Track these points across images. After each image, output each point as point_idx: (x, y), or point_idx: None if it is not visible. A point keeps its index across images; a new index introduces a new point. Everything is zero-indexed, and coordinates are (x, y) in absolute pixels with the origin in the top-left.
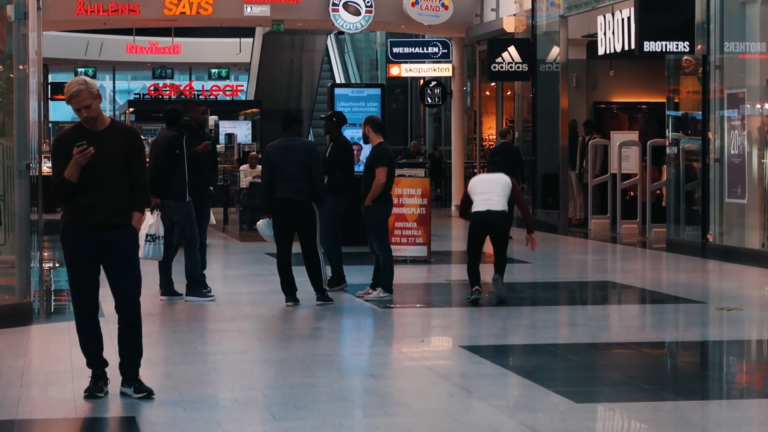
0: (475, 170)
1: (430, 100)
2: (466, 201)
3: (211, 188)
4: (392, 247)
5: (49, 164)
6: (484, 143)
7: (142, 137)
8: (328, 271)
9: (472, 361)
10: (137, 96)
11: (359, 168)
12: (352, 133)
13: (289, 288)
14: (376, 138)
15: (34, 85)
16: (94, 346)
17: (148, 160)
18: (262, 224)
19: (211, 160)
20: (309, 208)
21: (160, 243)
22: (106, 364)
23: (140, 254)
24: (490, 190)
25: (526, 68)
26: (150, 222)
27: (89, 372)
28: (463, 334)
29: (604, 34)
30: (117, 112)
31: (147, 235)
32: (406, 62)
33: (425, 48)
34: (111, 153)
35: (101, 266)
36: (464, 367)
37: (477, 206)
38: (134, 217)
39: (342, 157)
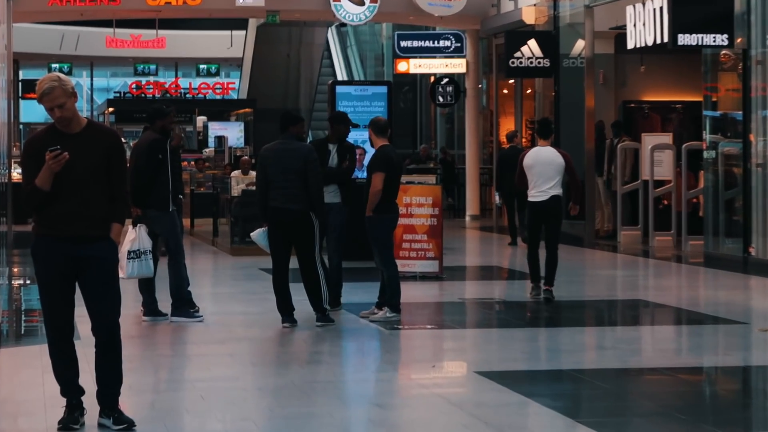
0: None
1: (441, 99)
2: (522, 175)
3: (181, 196)
4: (400, 261)
5: (20, 170)
6: (502, 147)
7: (123, 140)
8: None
9: (489, 388)
10: (117, 94)
11: (363, 174)
12: (355, 136)
13: (285, 307)
14: (378, 141)
15: (3, 82)
16: (69, 372)
17: (129, 165)
18: (257, 234)
19: (179, 163)
20: (306, 218)
21: (147, 258)
22: (82, 392)
23: (123, 275)
24: (547, 175)
25: (548, 63)
26: (130, 238)
27: (63, 401)
28: (479, 358)
29: (634, 25)
30: (95, 113)
31: (129, 252)
32: (415, 57)
33: (436, 41)
34: (88, 158)
35: (76, 283)
36: (480, 395)
37: (535, 195)
38: (113, 229)
39: (354, 162)
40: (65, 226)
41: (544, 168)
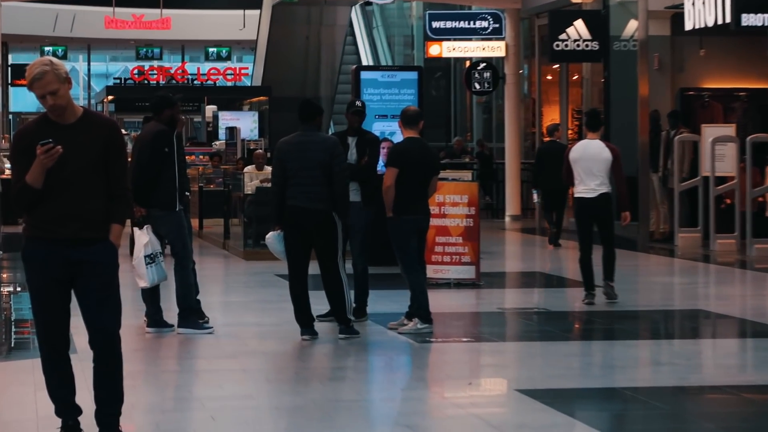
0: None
1: (478, 86)
2: (568, 170)
3: (187, 193)
4: (433, 267)
5: (9, 165)
6: (545, 139)
7: (124, 132)
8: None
9: (532, 408)
10: (117, 81)
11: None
12: (383, 127)
13: (304, 318)
14: (407, 133)
15: None
16: (65, 390)
17: (130, 159)
18: (272, 238)
19: (184, 156)
20: (329, 219)
21: (161, 261)
22: (79, 411)
23: (145, 284)
24: (593, 171)
25: (597, 46)
26: (143, 241)
27: (59, 422)
28: (521, 374)
29: (693, 4)
30: (93, 101)
31: (145, 257)
32: (449, 39)
33: (472, 22)
34: (84, 151)
35: (72, 291)
36: (522, 415)
37: (582, 191)
38: (113, 231)
39: (376, 156)
40: (59, 228)
41: (590, 163)
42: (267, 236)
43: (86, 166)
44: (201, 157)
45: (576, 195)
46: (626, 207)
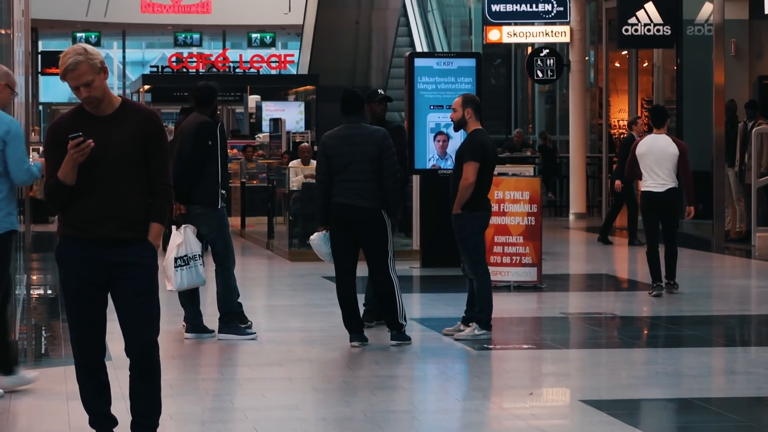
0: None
1: (540, 74)
2: (633, 163)
3: (223, 192)
4: (492, 269)
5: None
6: (612, 131)
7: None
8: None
9: (597, 420)
10: (154, 69)
11: (447, 165)
12: (438, 118)
13: (353, 323)
14: (474, 124)
15: (20, 54)
16: (100, 399)
17: (171, 153)
18: (317, 239)
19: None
20: (378, 218)
21: (197, 264)
22: (114, 423)
23: (172, 287)
24: (662, 165)
25: (669, 31)
26: (177, 242)
27: None
28: (585, 384)
29: None
30: (128, 91)
31: (176, 260)
32: (510, 24)
33: (534, 5)
34: (121, 145)
35: (108, 295)
36: (586, 428)
37: (650, 185)
38: (152, 230)
39: (403, 146)
40: (95, 227)
41: (658, 157)
42: (311, 237)
43: (124, 161)
44: (233, 150)
45: (644, 189)
46: (692, 202)
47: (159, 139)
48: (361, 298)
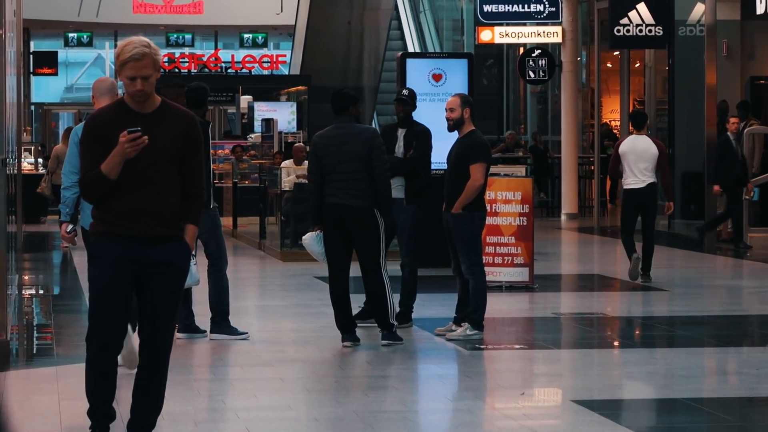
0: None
1: (532, 75)
2: (616, 162)
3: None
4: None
5: (31, 160)
6: (615, 132)
7: None
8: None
9: (589, 420)
10: None
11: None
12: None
13: (346, 323)
14: (470, 125)
15: (11, 55)
16: (104, 392)
17: None
18: (310, 239)
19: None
20: (370, 217)
21: (193, 263)
22: (112, 418)
23: None
24: (642, 165)
25: (661, 32)
26: None
27: (85, 425)
28: (577, 384)
29: None
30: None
31: None
32: (501, 24)
33: (526, 5)
34: (160, 144)
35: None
36: (578, 428)
37: (630, 183)
38: (188, 232)
39: (426, 151)
40: (131, 223)
41: (639, 156)
42: (304, 237)
43: (162, 160)
44: (220, 150)
45: (625, 186)
46: (671, 198)
47: (198, 141)
48: (354, 299)
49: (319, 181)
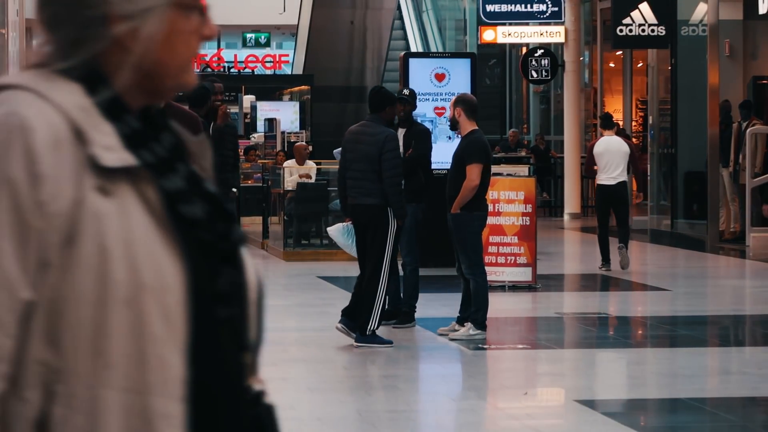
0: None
1: (535, 75)
2: (591, 162)
3: (234, 189)
4: (486, 269)
5: None
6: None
7: None
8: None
9: (592, 419)
10: None
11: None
12: (432, 117)
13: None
14: (469, 125)
15: (14, 54)
16: None
17: None
18: (336, 230)
19: (234, 152)
20: (380, 216)
21: None
22: None
23: None
24: (615, 163)
25: (663, 32)
26: None
27: None
28: (579, 384)
29: None
30: None
31: None
32: (504, 24)
33: (529, 5)
34: None
35: None
36: (580, 427)
37: (603, 179)
38: None
39: (424, 150)
40: None
41: (613, 155)
42: (330, 228)
43: None
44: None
45: (598, 183)
46: (641, 189)
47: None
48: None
49: (344, 175)
